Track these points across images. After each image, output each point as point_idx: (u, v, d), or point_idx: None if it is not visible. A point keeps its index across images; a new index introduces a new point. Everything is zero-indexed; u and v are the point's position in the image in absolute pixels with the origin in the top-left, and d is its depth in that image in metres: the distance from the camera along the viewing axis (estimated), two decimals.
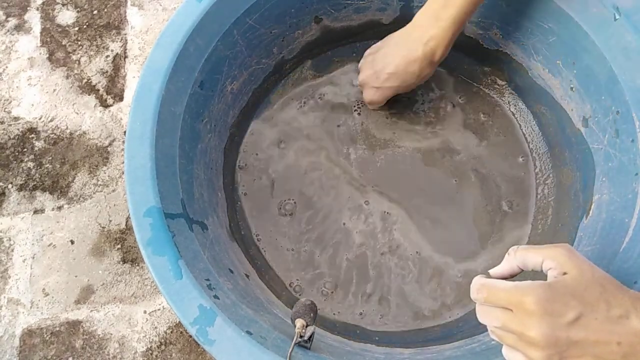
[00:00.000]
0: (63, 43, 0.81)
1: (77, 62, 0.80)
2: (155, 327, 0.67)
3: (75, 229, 0.71)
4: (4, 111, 0.78)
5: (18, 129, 0.77)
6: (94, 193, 0.73)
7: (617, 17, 0.48)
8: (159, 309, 0.67)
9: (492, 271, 0.37)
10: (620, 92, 0.49)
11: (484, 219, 0.61)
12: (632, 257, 0.43)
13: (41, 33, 0.82)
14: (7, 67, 0.80)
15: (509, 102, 0.66)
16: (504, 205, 0.61)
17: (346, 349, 0.49)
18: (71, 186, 0.74)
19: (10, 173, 0.74)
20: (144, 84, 0.48)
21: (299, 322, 0.42)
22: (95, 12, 0.83)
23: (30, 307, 0.68)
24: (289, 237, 0.60)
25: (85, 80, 0.79)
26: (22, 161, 0.75)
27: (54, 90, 0.79)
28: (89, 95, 0.78)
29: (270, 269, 0.59)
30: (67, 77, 0.79)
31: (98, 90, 0.79)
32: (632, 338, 0.31)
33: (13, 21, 0.83)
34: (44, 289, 0.69)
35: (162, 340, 0.66)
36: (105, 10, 0.83)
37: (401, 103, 0.65)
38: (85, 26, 0.82)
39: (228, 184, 0.60)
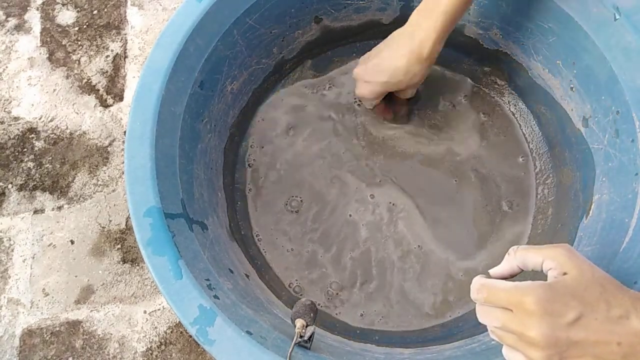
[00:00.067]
0: (63, 43, 0.81)
1: (77, 62, 0.80)
2: (155, 327, 0.67)
3: (75, 229, 0.71)
4: (4, 111, 0.78)
5: (18, 129, 0.77)
6: (94, 193, 0.73)
7: (617, 17, 0.48)
8: (159, 309, 0.67)
9: (492, 271, 0.37)
10: (620, 92, 0.49)
11: (484, 218, 0.61)
12: (632, 257, 0.43)
13: (41, 33, 0.82)
14: (7, 67, 0.80)
15: (509, 102, 0.66)
16: (504, 205, 0.61)
17: (346, 349, 0.49)
18: (71, 186, 0.74)
19: (10, 173, 0.74)
20: (144, 84, 0.48)
21: (299, 322, 0.42)
22: (95, 12, 0.83)
23: (30, 307, 0.68)
24: (290, 236, 0.60)
25: (85, 80, 0.79)
26: (22, 161, 0.75)
27: (54, 90, 0.79)
28: (89, 95, 0.78)
29: (270, 269, 0.59)
30: (67, 77, 0.79)
31: (98, 90, 0.79)
32: (632, 338, 0.31)
33: (13, 21, 0.83)
34: (44, 289, 0.69)
35: (162, 340, 0.66)
36: (105, 10, 0.83)
37: (401, 102, 0.65)
38: (85, 26, 0.82)
39: (228, 184, 0.60)
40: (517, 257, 0.36)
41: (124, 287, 0.69)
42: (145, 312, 0.67)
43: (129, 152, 0.46)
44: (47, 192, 0.73)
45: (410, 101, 0.63)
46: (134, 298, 0.68)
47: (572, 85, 0.55)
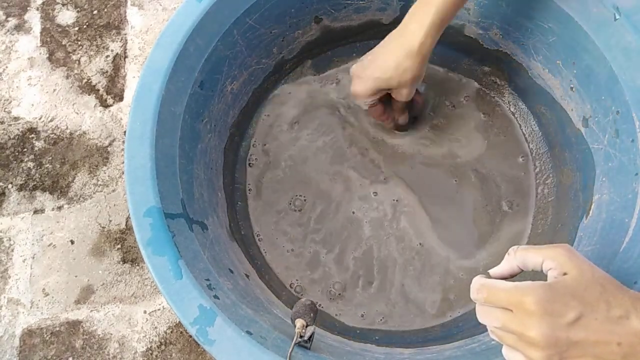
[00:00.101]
0: (63, 43, 0.81)
1: (77, 62, 0.80)
2: (155, 327, 0.67)
3: (75, 229, 0.71)
4: (4, 111, 0.78)
5: (18, 129, 0.77)
6: (94, 193, 0.73)
7: (617, 17, 0.48)
8: (159, 309, 0.67)
9: (492, 271, 0.37)
10: (620, 92, 0.49)
11: (484, 218, 0.61)
12: (632, 257, 0.43)
13: (41, 33, 0.82)
14: (7, 67, 0.80)
15: (509, 102, 0.66)
16: (504, 205, 0.61)
17: (346, 349, 0.49)
18: (71, 186, 0.74)
19: (10, 173, 0.74)
20: (144, 84, 0.48)
21: (299, 322, 0.42)
22: (95, 12, 0.83)
23: (30, 307, 0.68)
24: (292, 236, 0.60)
25: (85, 80, 0.79)
26: (22, 161, 0.75)
27: (54, 90, 0.79)
28: (89, 95, 0.78)
29: (270, 269, 0.59)
30: (67, 77, 0.79)
31: (98, 90, 0.79)
32: (632, 338, 0.31)
33: (13, 21, 0.83)
34: (44, 289, 0.69)
35: (162, 340, 0.66)
36: (105, 10, 0.83)
37: (399, 108, 0.64)
38: (85, 26, 0.82)
39: (228, 184, 0.60)
40: (517, 257, 0.36)
41: (124, 287, 0.69)
42: (145, 312, 0.67)
43: (129, 152, 0.46)
44: (47, 192, 0.73)
45: (411, 112, 0.62)
46: (134, 298, 0.68)
47: (572, 85, 0.55)
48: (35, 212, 0.72)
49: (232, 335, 0.40)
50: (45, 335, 0.67)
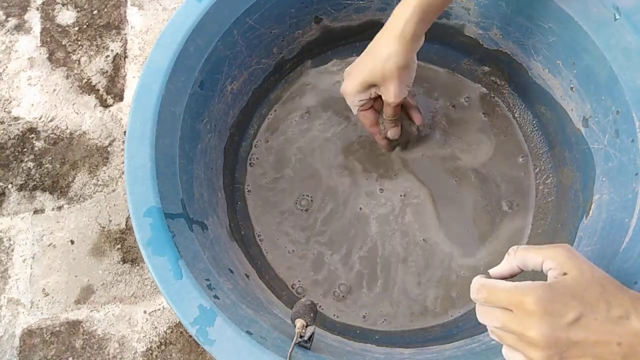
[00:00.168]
0: (63, 43, 0.81)
1: (77, 62, 0.80)
2: (155, 327, 0.67)
3: (75, 229, 0.71)
4: (4, 111, 0.78)
5: (18, 129, 0.77)
6: (94, 193, 0.73)
7: (617, 17, 0.48)
8: (159, 309, 0.67)
9: (492, 271, 0.37)
10: (620, 92, 0.49)
11: (484, 218, 0.61)
12: (632, 257, 0.43)
13: (41, 33, 0.82)
14: (7, 67, 0.80)
15: (509, 102, 0.66)
16: (504, 205, 0.61)
17: (346, 349, 0.49)
18: (71, 186, 0.74)
19: (10, 173, 0.74)
20: (144, 84, 0.48)
21: (299, 322, 0.42)
22: (95, 12, 0.83)
23: (30, 307, 0.68)
24: (294, 237, 0.60)
25: (85, 80, 0.79)
26: (22, 161, 0.75)
27: (54, 90, 0.79)
28: (89, 95, 0.78)
29: (270, 269, 0.59)
30: (67, 77, 0.79)
31: (98, 90, 0.79)
32: (632, 338, 0.31)
33: (13, 21, 0.83)
34: (44, 289, 0.69)
35: (162, 340, 0.66)
36: (105, 10, 0.83)
37: (390, 118, 0.64)
38: (85, 26, 0.82)
39: (228, 184, 0.60)
40: (517, 257, 0.36)
41: (124, 287, 0.69)
42: (145, 312, 0.67)
43: (129, 152, 0.46)
44: (47, 192, 0.73)
45: (405, 133, 0.60)
46: (134, 298, 0.68)
47: (572, 85, 0.55)
48: (35, 212, 0.72)
49: (232, 335, 0.40)
50: (45, 335, 0.67)
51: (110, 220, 0.72)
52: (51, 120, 0.77)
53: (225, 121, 0.59)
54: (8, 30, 0.82)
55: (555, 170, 0.61)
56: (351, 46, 0.67)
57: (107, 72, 0.80)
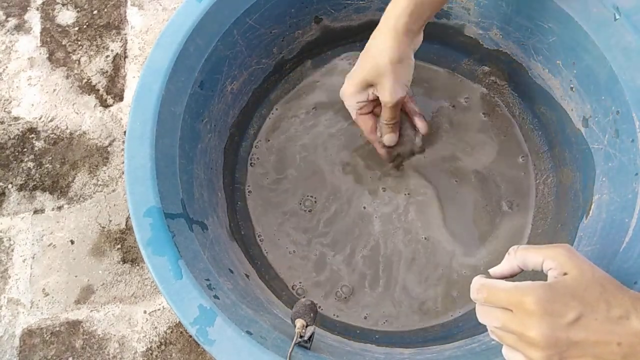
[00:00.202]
0: (63, 43, 0.81)
1: (77, 62, 0.80)
2: (155, 327, 0.67)
3: (75, 229, 0.71)
4: (4, 111, 0.78)
5: (18, 129, 0.77)
6: (94, 193, 0.73)
7: (617, 17, 0.48)
8: (159, 309, 0.67)
9: (492, 271, 0.37)
10: (620, 92, 0.49)
11: (484, 218, 0.61)
12: (632, 257, 0.43)
13: (41, 33, 0.82)
14: (7, 67, 0.80)
15: (509, 102, 0.66)
16: (504, 205, 0.61)
17: (346, 349, 0.49)
18: (71, 186, 0.74)
19: (10, 173, 0.74)
20: (144, 84, 0.48)
21: (299, 322, 0.42)
22: (95, 12, 0.83)
23: (30, 307, 0.68)
24: (296, 238, 0.60)
25: (85, 80, 0.79)
26: (22, 161, 0.75)
27: (54, 90, 0.79)
28: (89, 95, 0.78)
29: (271, 269, 0.59)
30: (67, 77, 0.79)
31: (98, 90, 0.79)
32: (632, 338, 0.31)
33: (13, 21, 0.83)
34: (44, 289, 0.69)
35: (162, 340, 0.66)
36: (105, 10, 0.83)
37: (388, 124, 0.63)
38: (85, 26, 0.82)
39: (228, 184, 0.60)
40: (518, 256, 0.36)
41: (124, 287, 0.69)
42: (145, 312, 0.67)
43: (129, 152, 0.46)
44: (47, 192, 0.73)
45: (411, 139, 0.58)
46: (134, 298, 0.68)
47: (572, 85, 0.55)
48: (35, 212, 0.72)
49: (232, 335, 0.40)
50: (45, 335, 0.67)
51: (110, 220, 0.72)
52: (51, 120, 0.77)
53: (225, 121, 0.59)
54: (8, 30, 0.82)
55: (555, 170, 0.61)
56: (351, 46, 0.67)
57: (107, 72, 0.80)
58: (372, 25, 0.65)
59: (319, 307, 0.57)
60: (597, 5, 0.50)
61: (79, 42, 0.81)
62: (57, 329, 0.67)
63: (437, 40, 0.64)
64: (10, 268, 0.70)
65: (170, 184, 0.47)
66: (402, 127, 0.57)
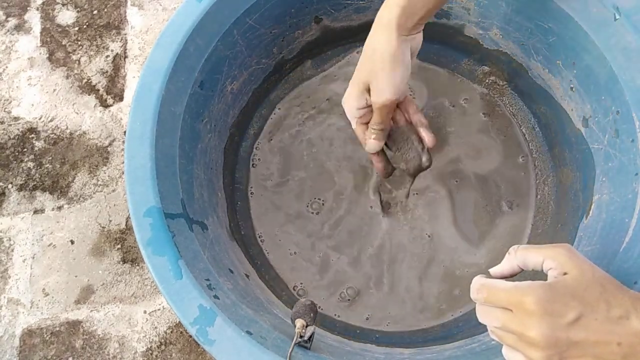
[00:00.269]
0: (63, 43, 0.81)
1: (77, 62, 0.80)
2: (155, 327, 0.67)
3: (75, 229, 0.71)
4: (4, 111, 0.78)
5: (18, 129, 0.77)
6: (94, 193, 0.73)
7: (617, 17, 0.48)
8: (159, 309, 0.67)
9: (492, 271, 0.37)
10: (620, 92, 0.49)
11: (484, 218, 0.61)
12: (632, 257, 0.43)
13: (41, 33, 0.82)
14: (7, 67, 0.80)
15: (509, 102, 0.66)
16: (504, 205, 0.61)
17: (346, 349, 0.49)
18: (71, 186, 0.74)
19: (10, 173, 0.74)
20: (144, 84, 0.48)
21: (299, 322, 0.42)
22: (95, 12, 0.83)
23: (30, 307, 0.68)
24: (297, 241, 0.60)
25: (85, 80, 0.79)
26: (22, 161, 0.75)
27: (54, 90, 0.79)
28: (89, 95, 0.78)
29: (271, 269, 0.59)
30: (67, 77, 0.79)
31: (98, 90, 0.79)
32: (632, 339, 0.31)
33: (13, 21, 0.83)
34: (44, 289, 0.69)
35: (162, 340, 0.66)
36: (105, 10, 0.83)
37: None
38: (85, 26, 0.82)
39: (228, 184, 0.60)
40: (518, 256, 0.36)
41: (124, 287, 0.69)
42: (145, 312, 0.67)
43: (129, 152, 0.46)
44: (47, 192, 0.73)
45: (418, 154, 0.52)
46: (134, 298, 0.68)
47: (572, 85, 0.55)
48: (35, 212, 0.72)
49: (232, 335, 0.40)
50: (45, 335, 0.67)
51: (110, 220, 0.72)
52: (51, 120, 0.77)
53: (225, 121, 0.59)
54: (8, 30, 0.82)
55: (555, 170, 0.61)
56: (351, 46, 0.67)
57: (107, 72, 0.80)
58: (372, 25, 0.65)
59: (319, 307, 0.57)
60: (597, 5, 0.50)
61: (79, 42, 0.81)
62: (57, 329, 0.67)
63: (437, 40, 0.64)
64: (10, 268, 0.70)
65: (170, 184, 0.47)
66: (408, 142, 0.52)
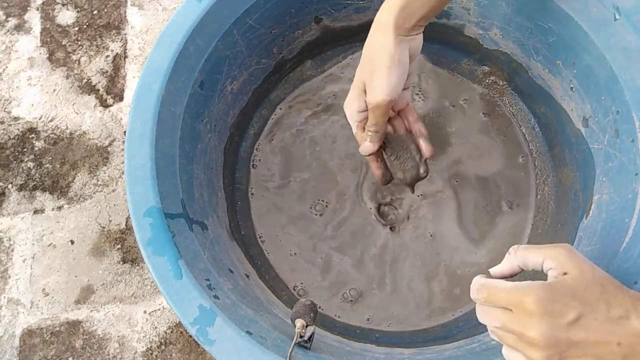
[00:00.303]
0: (63, 43, 0.81)
1: (77, 62, 0.80)
2: (155, 327, 0.67)
3: (75, 229, 0.71)
4: (4, 111, 0.78)
5: (18, 129, 0.77)
6: (94, 193, 0.73)
7: (617, 17, 0.48)
8: (159, 309, 0.67)
9: (492, 270, 0.37)
10: (620, 92, 0.49)
11: (484, 218, 0.61)
12: (632, 257, 0.43)
13: (41, 33, 0.82)
14: (7, 67, 0.80)
15: (509, 102, 0.66)
16: (504, 205, 0.61)
17: (346, 349, 0.49)
18: (71, 186, 0.74)
19: (10, 173, 0.74)
20: (144, 84, 0.48)
21: (299, 322, 0.42)
22: (95, 12, 0.83)
23: (30, 307, 0.68)
24: (300, 240, 0.60)
25: (85, 80, 0.79)
26: (22, 161, 0.75)
27: (54, 90, 0.79)
28: (89, 95, 0.78)
29: (271, 269, 0.59)
30: (67, 77, 0.79)
31: (98, 90, 0.79)
32: (632, 338, 0.31)
33: (13, 21, 0.83)
34: (44, 289, 0.69)
35: (162, 340, 0.66)
36: (105, 10, 0.83)
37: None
38: (85, 26, 0.82)
39: (228, 184, 0.60)
40: (518, 256, 0.36)
41: (124, 287, 0.69)
42: (145, 312, 0.67)
43: (129, 152, 0.46)
44: (47, 192, 0.73)
45: (416, 164, 0.52)
46: (134, 298, 0.68)
47: (572, 85, 0.55)
48: (35, 212, 0.72)
49: (232, 335, 0.40)
50: (45, 335, 0.67)
51: (110, 220, 0.72)
52: (51, 120, 0.77)
53: (225, 121, 0.59)
54: (8, 30, 0.82)
55: (555, 170, 0.61)
56: (351, 46, 0.67)
57: (107, 72, 0.80)
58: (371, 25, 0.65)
59: (320, 307, 0.57)
60: (597, 5, 0.50)
61: (79, 42, 0.81)
62: (57, 329, 0.67)
63: (437, 40, 0.64)
64: (10, 268, 0.70)
65: (170, 184, 0.47)
66: (407, 152, 0.52)
